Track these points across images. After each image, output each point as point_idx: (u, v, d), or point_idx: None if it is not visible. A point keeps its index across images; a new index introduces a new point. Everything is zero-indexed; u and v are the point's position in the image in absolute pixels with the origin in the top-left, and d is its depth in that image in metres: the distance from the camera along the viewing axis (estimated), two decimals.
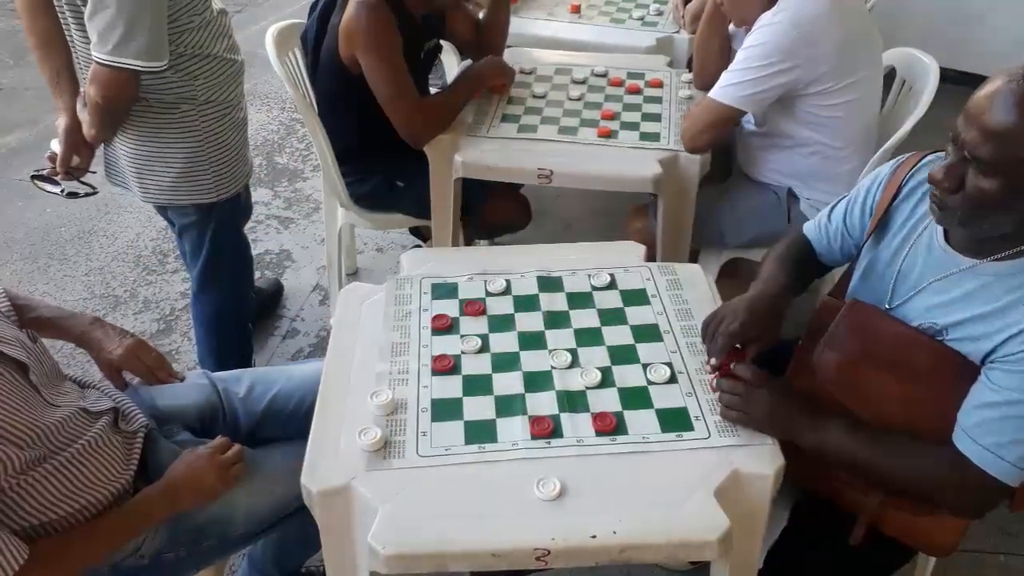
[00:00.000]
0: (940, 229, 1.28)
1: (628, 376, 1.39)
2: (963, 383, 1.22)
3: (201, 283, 2.18)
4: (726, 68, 2.06)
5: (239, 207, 2.17)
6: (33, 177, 2.00)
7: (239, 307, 2.32)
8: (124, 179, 2.02)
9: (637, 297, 1.58)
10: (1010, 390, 1.16)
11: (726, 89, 1.99)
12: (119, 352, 1.55)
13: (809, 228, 1.57)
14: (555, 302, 1.56)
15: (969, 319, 1.21)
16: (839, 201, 1.51)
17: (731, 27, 2.36)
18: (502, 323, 1.52)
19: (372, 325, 1.52)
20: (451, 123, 2.19)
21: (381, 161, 2.34)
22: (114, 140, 1.95)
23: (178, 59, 1.82)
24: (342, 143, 2.29)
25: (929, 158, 1.36)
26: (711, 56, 2.35)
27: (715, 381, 1.35)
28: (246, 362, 2.31)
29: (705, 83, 2.28)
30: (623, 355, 1.44)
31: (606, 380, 1.38)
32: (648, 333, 1.49)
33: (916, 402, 1.27)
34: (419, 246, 2.80)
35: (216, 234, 2.09)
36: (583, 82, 2.44)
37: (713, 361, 1.37)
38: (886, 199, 1.38)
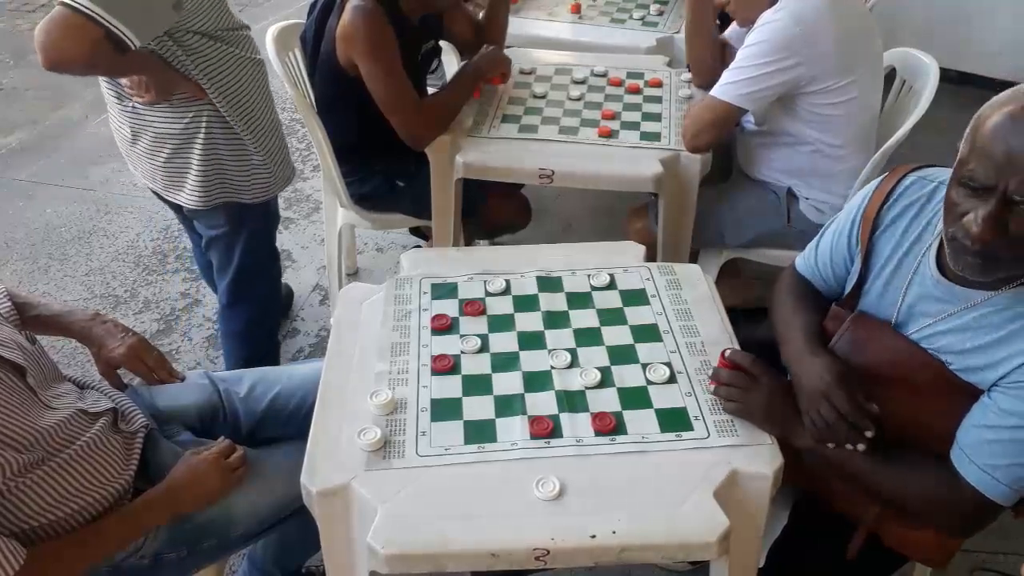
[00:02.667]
0: (933, 260, 1.25)
1: (627, 376, 1.40)
2: (963, 402, 1.21)
3: (231, 296, 2.17)
4: (717, 58, 2.05)
5: (270, 214, 2.17)
6: None
7: (269, 314, 2.33)
8: (160, 184, 2.01)
9: (636, 297, 1.58)
10: (1011, 415, 1.15)
11: (727, 87, 1.99)
12: (121, 351, 1.55)
13: (802, 267, 1.53)
14: (554, 302, 1.56)
15: (970, 350, 1.20)
16: (824, 233, 1.48)
17: (733, 27, 2.36)
18: (502, 323, 1.52)
19: (372, 325, 1.52)
20: (451, 123, 2.19)
21: (381, 161, 2.34)
22: (154, 149, 1.94)
23: (199, 57, 1.81)
24: (342, 143, 2.29)
25: (909, 180, 1.32)
26: (701, 49, 2.34)
27: (712, 372, 1.36)
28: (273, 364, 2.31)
29: (704, 80, 2.29)
30: (622, 355, 1.44)
31: (605, 380, 1.38)
32: (647, 333, 1.49)
33: (915, 417, 1.26)
34: (419, 246, 2.80)
35: (247, 244, 2.09)
36: (583, 82, 2.44)
37: (868, 434, 1.24)
38: (866, 232, 1.35)
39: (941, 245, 1.24)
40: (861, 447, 1.24)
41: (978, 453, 1.18)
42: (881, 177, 1.38)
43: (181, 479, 1.40)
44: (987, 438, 1.17)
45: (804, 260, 1.53)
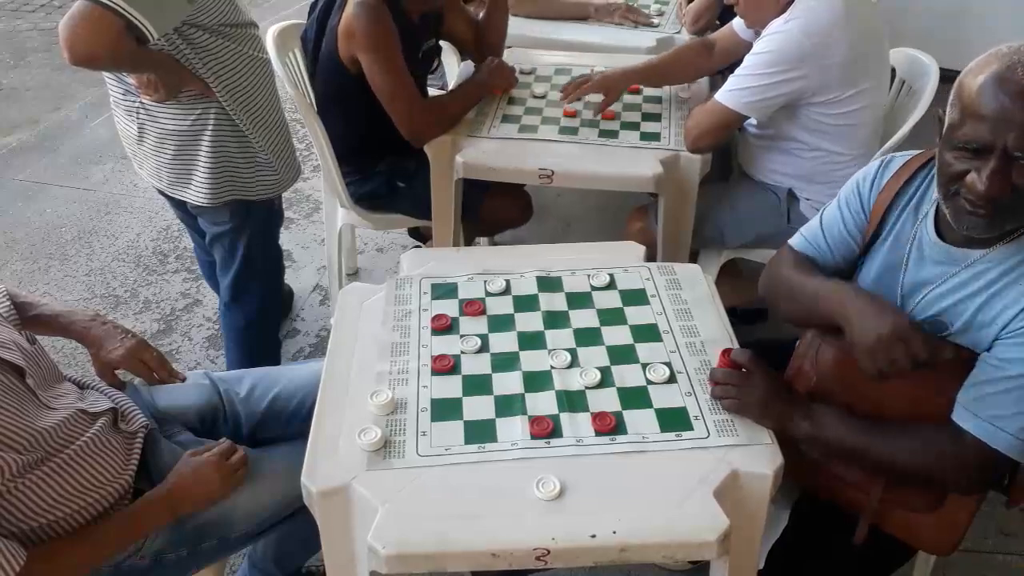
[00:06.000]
0: (931, 225, 1.28)
1: (627, 376, 1.40)
2: (962, 377, 1.23)
3: (233, 294, 2.17)
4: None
5: (274, 212, 2.18)
6: None
7: (270, 314, 2.33)
8: (166, 181, 2.01)
9: (636, 297, 1.58)
10: (1011, 363, 1.17)
11: (731, 93, 1.99)
12: (120, 352, 1.55)
13: (801, 245, 1.50)
14: (554, 302, 1.56)
15: (970, 308, 1.22)
16: (825, 209, 1.48)
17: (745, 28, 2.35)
18: (502, 323, 1.52)
19: (372, 325, 1.52)
20: (452, 126, 2.19)
21: (382, 161, 2.34)
22: (160, 146, 1.95)
23: (209, 57, 1.83)
24: (343, 143, 2.29)
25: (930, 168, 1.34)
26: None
27: (710, 372, 1.36)
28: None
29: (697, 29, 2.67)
30: (622, 355, 1.44)
31: (605, 380, 1.38)
32: (647, 333, 1.49)
33: (914, 396, 1.27)
34: (418, 247, 2.80)
35: (251, 242, 2.09)
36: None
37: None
38: (883, 204, 1.37)
39: (937, 210, 1.27)
40: None
41: (980, 406, 1.19)
42: (905, 158, 1.39)
43: (182, 480, 1.40)
44: (988, 391, 1.19)
45: (802, 238, 1.50)
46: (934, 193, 1.29)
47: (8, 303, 1.45)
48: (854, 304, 1.26)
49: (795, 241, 1.52)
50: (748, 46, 2.22)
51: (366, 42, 2.07)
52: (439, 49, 2.50)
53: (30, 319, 1.50)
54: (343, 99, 2.24)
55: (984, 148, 1.11)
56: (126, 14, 1.60)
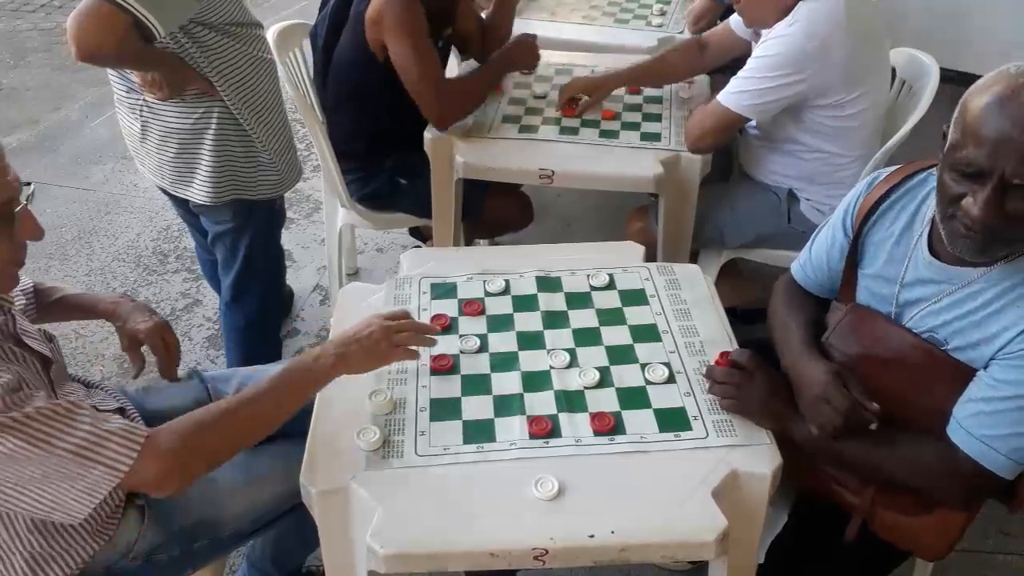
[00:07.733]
0: (925, 242, 1.28)
1: (626, 376, 1.40)
2: (959, 386, 1.23)
3: (234, 293, 2.17)
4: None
5: (276, 212, 2.18)
6: None
7: (270, 314, 2.34)
8: (168, 180, 2.01)
9: (636, 297, 1.58)
10: (1007, 385, 1.17)
11: (733, 96, 1.99)
12: (148, 325, 1.53)
13: (798, 272, 1.55)
14: (554, 302, 1.56)
15: (966, 327, 1.22)
16: (817, 233, 1.51)
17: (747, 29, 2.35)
18: (501, 323, 1.52)
19: None
20: (476, 106, 2.22)
21: (390, 157, 2.33)
22: (163, 144, 1.95)
23: (214, 57, 1.83)
24: (354, 140, 2.29)
25: (921, 176, 1.34)
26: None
27: (706, 370, 1.37)
28: None
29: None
30: (621, 355, 1.44)
31: (604, 380, 1.38)
32: (646, 333, 1.49)
33: (912, 404, 1.27)
34: (419, 246, 2.80)
35: (252, 241, 2.10)
36: None
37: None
38: (859, 219, 1.38)
39: (931, 228, 1.27)
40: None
41: (975, 425, 1.19)
42: (886, 173, 1.39)
43: (346, 332, 1.32)
44: (983, 410, 1.19)
45: (799, 264, 1.55)
46: (928, 212, 1.29)
47: (23, 301, 1.45)
48: (796, 369, 1.34)
49: (794, 268, 1.56)
50: (745, 44, 2.22)
51: (393, 26, 2.07)
52: (455, 38, 2.50)
53: (55, 302, 1.50)
54: (364, 94, 2.23)
55: (981, 173, 1.09)
56: (133, 11, 1.60)
